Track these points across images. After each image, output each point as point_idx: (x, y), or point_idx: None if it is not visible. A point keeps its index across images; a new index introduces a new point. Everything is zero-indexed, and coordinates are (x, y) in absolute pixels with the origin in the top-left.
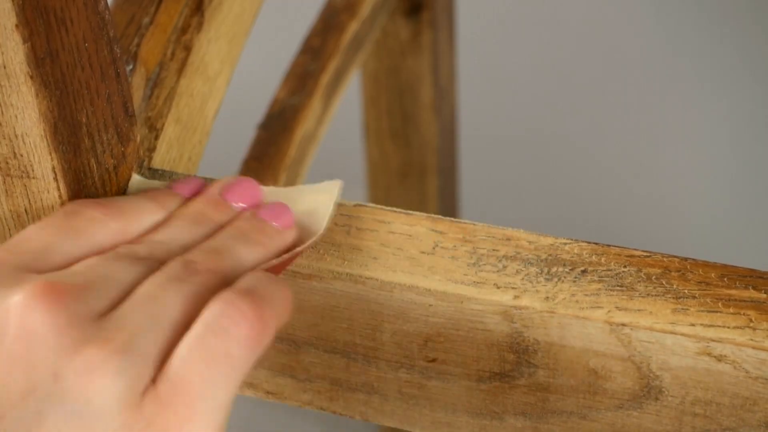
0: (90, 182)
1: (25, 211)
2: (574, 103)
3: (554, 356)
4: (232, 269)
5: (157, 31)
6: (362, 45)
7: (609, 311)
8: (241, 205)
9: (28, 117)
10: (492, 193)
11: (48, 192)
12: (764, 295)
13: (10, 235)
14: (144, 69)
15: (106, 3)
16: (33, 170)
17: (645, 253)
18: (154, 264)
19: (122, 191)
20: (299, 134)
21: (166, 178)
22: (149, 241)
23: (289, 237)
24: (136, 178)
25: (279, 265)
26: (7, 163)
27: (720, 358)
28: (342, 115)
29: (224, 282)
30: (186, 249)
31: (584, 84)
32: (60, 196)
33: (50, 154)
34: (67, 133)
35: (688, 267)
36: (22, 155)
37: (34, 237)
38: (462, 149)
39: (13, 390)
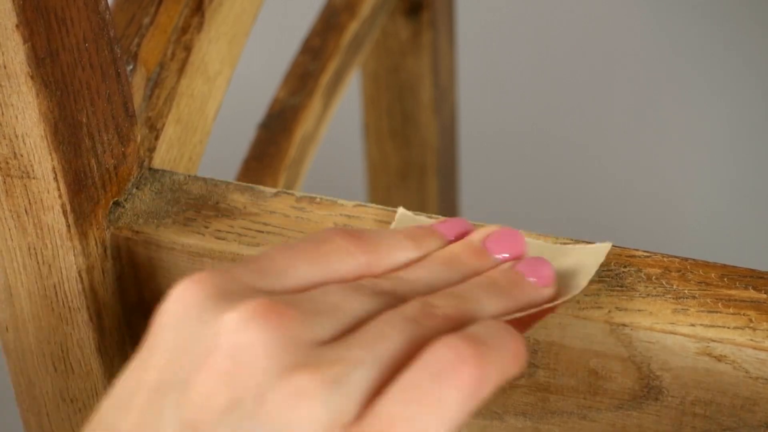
0: (90, 182)
1: (25, 211)
2: (574, 103)
3: (554, 356)
4: (469, 317)
5: (158, 31)
6: (362, 45)
7: (609, 311)
8: (502, 255)
9: (28, 117)
10: (492, 193)
11: (48, 192)
12: (764, 296)
13: (10, 236)
14: (144, 69)
15: (107, 3)
16: (33, 170)
17: (645, 254)
18: (394, 301)
19: (122, 191)
20: (299, 134)
21: (163, 184)
22: (395, 277)
23: (545, 294)
24: (402, 212)
25: (525, 321)
26: (7, 163)
27: (720, 359)
28: (342, 115)
29: (458, 329)
30: (432, 290)
31: (584, 84)
32: (60, 197)
33: (50, 154)
34: (67, 133)
35: (688, 267)
36: (22, 155)
37: (275, 257)
38: (462, 149)
39: (215, 404)
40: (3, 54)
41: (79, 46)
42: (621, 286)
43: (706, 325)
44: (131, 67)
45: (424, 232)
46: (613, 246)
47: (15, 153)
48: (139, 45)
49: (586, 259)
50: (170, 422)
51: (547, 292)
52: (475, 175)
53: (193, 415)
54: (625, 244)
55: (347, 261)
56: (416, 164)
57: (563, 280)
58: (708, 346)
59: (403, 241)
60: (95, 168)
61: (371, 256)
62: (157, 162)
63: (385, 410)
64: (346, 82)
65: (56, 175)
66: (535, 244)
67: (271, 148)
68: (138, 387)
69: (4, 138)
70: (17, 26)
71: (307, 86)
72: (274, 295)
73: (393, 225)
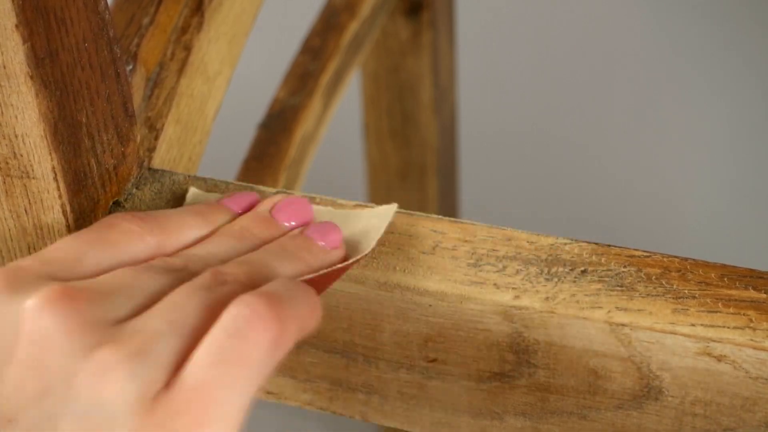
0: (90, 182)
1: (25, 211)
2: (574, 103)
3: (554, 356)
4: (264, 282)
5: (157, 31)
6: (362, 45)
7: (609, 311)
8: (291, 223)
9: (28, 117)
10: (492, 193)
11: (48, 192)
12: (764, 295)
13: (9, 236)
14: (144, 69)
15: (106, 3)
16: (33, 170)
17: (645, 253)
18: (187, 276)
19: (122, 191)
20: (299, 134)
21: (163, 184)
22: (186, 254)
23: (335, 256)
24: (193, 191)
25: (320, 281)
26: (7, 163)
27: (720, 358)
28: (342, 115)
29: (250, 289)
30: (221, 262)
31: (584, 84)
32: (60, 196)
33: (50, 154)
34: (67, 133)
35: (688, 267)
36: (22, 155)
37: (65, 247)
38: (462, 149)
39: (27, 393)
40: (2, 54)
41: (78, 46)
42: (621, 286)
43: (706, 325)
44: (131, 67)
45: (211, 208)
46: (612, 246)
47: (15, 153)
48: (138, 45)
49: (374, 221)
50: None
51: (336, 254)
52: (475, 175)
53: (7, 407)
54: (625, 244)
55: (136, 244)
56: (416, 164)
57: (353, 242)
58: (708, 346)
59: (191, 219)
60: (95, 168)
61: (160, 237)
62: (157, 162)
63: (192, 374)
64: (346, 82)
65: (56, 175)
66: (324, 211)
67: (271, 148)
68: None
69: (4, 138)
70: (17, 26)
71: (307, 86)
72: (66, 282)
73: (185, 204)
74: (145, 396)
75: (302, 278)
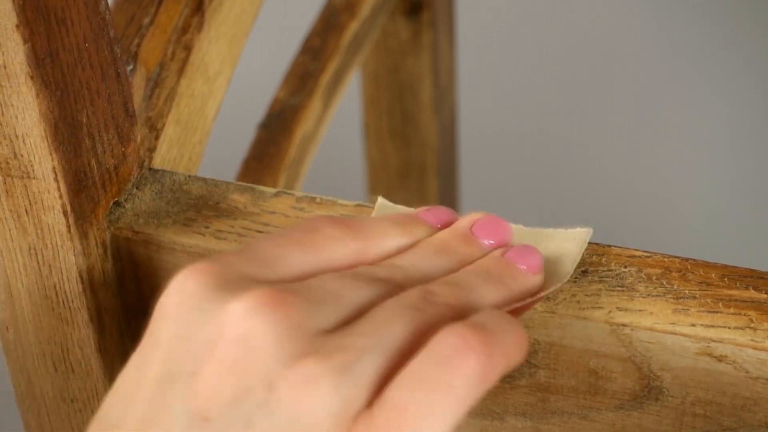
0: (90, 182)
1: (26, 211)
2: (574, 103)
3: (555, 356)
4: (470, 306)
5: (158, 31)
6: (362, 45)
7: (609, 311)
8: (489, 242)
9: (28, 117)
10: (492, 193)
11: (48, 192)
12: (765, 296)
13: (10, 236)
14: (144, 69)
15: (107, 3)
16: (33, 170)
17: (645, 254)
18: (392, 288)
19: (123, 191)
20: (299, 134)
21: (163, 184)
22: (390, 264)
23: (535, 282)
24: (382, 202)
25: (520, 309)
26: (7, 163)
27: (720, 359)
28: (342, 115)
29: (460, 318)
30: (427, 279)
31: (584, 84)
32: (60, 197)
33: (51, 154)
34: (67, 133)
35: (689, 267)
36: (22, 155)
37: (266, 247)
38: (462, 149)
39: (225, 394)
40: (3, 54)
41: (79, 46)
42: (621, 286)
43: (707, 325)
44: (131, 67)
45: (410, 220)
46: (613, 246)
47: (15, 153)
48: (139, 45)
49: (568, 244)
50: (179, 414)
51: (537, 279)
52: (475, 175)
53: (203, 406)
54: (626, 244)
55: (339, 249)
56: (416, 164)
57: (548, 266)
58: (708, 346)
59: (391, 229)
60: (95, 168)
61: (361, 243)
62: (157, 162)
63: (395, 397)
64: (346, 82)
65: (56, 175)
66: (517, 230)
67: (271, 148)
68: (142, 380)
69: (5, 138)
70: (17, 26)
71: (307, 86)
72: (276, 285)
73: (374, 214)
74: (346, 413)
75: (507, 308)
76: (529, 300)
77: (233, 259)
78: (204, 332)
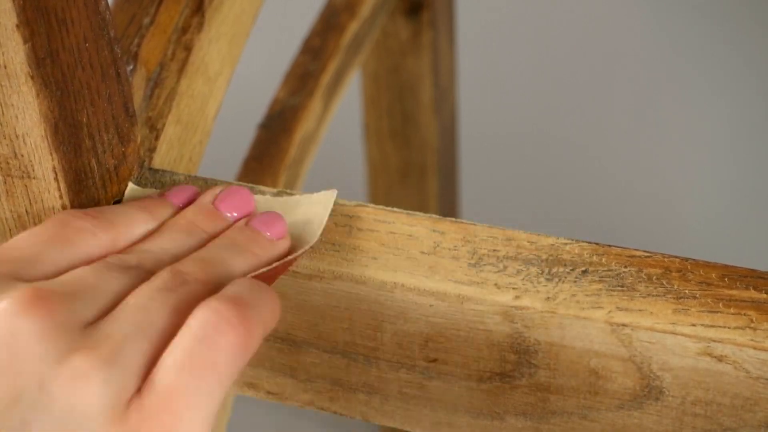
0: (91, 182)
1: (26, 211)
2: (574, 103)
3: (555, 356)
4: (222, 279)
5: (158, 31)
6: (362, 45)
7: (610, 311)
8: (233, 214)
9: (28, 117)
10: (492, 193)
11: (49, 192)
12: (765, 296)
13: (11, 236)
14: (144, 69)
15: (107, 3)
16: (34, 170)
17: (646, 254)
18: (144, 274)
19: (123, 192)
20: (299, 134)
21: (164, 184)
22: (139, 250)
23: (282, 247)
24: (130, 187)
25: (270, 274)
26: (7, 163)
27: (721, 359)
28: (342, 115)
29: (213, 292)
30: (177, 259)
31: (584, 84)
32: (61, 197)
33: (51, 154)
34: (67, 133)
35: (689, 267)
36: (22, 155)
37: (22, 246)
38: (462, 149)
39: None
40: (3, 54)
41: (79, 46)
42: (621, 286)
43: (707, 326)
44: (131, 67)
45: (155, 203)
46: (613, 246)
47: (15, 153)
48: (139, 45)
49: (315, 208)
50: None
51: (284, 244)
52: (475, 175)
53: None
54: (626, 244)
55: (90, 241)
56: (416, 164)
57: (296, 232)
58: (708, 346)
59: (138, 214)
60: (96, 168)
61: (111, 233)
62: (158, 162)
63: (162, 380)
64: (346, 82)
65: (57, 175)
66: (262, 200)
67: (271, 148)
68: None
69: (5, 138)
70: (17, 26)
71: (307, 86)
72: (35, 283)
73: (123, 200)
74: (118, 402)
75: (256, 273)
76: (276, 264)
77: None
78: None
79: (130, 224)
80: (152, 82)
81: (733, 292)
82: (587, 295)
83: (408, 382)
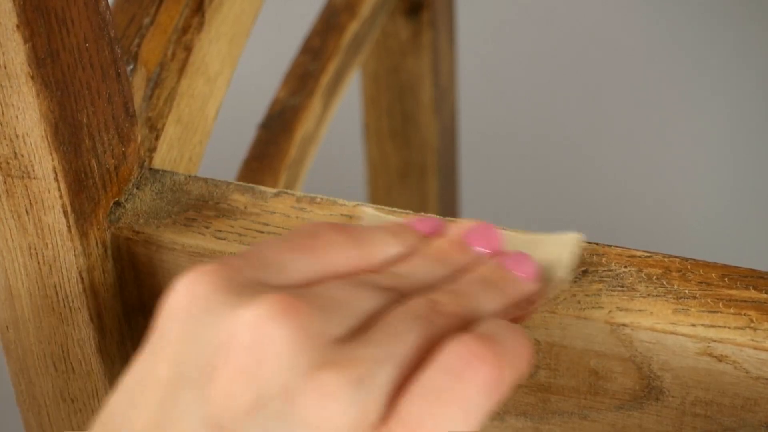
0: (91, 182)
1: (26, 211)
2: (574, 103)
3: (555, 356)
4: (472, 315)
5: (158, 31)
6: (362, 45)
7: (610, 311)
8: (482, 250)
9: (29, 117)
10: (492, 193)
11: (49, 192)
12: (765, 296)
13: (11, 236)
14: (145, 69)
15: (107, 3)
16: (34, 170)
17: (646, 254)
18: (396, 296)
19: (123, 192)
20: (299, 134)
21: (164, 184)
22: (391, 273)
23: (532, 288)
24: (369, 211)
25: (518, 318)
26: (7, 163)
27: (721, 359)
28: (342, 115)
29: (463, 327)
30: (427, 286)
31: (584, 84)
32: (61, 197)
33: (51, 154)
34: (67, 133)
35: (689, 267)
36: (22, 155)
37: (272, 251)
38: (462, 149)
39: (241, 402)
40: (3, 54)
41: (79, 46)
42: (621, 286)
43: (707, 325)
44: (131, 67)
45: (404, 229)
46: (613, 246)
47: (15, 153)
48: (139, 45)
49: (560, 249)
50: (192, 420)
51: (534, 286)
52: (475, 175)
53: (218, 414)
54: (626, 244)
55: (340, 255)
56: (416, 164)
57: (542, 272)
58: (709, 346)
59: (386, 237)
60: (96, 168)
61: (360, 250)
62: (158, 162)
63: (410, 410)
64: (346, 82)
65: (57, 175)
66: (507, 236)
67: (271, 148)
68: (149, 381)
69: (5, 138)
70: (18, 26)
71: (307, 86)
72: (290, 291)
73: (364, 224)
74: (362, 425)
75: (507, 316)
76: (527, 307)
77: (241, 263)
78: (216, 336)
79: (380, 245)
80: (152, 82)
81: (733, 292)
82: (587, 295)
83: None
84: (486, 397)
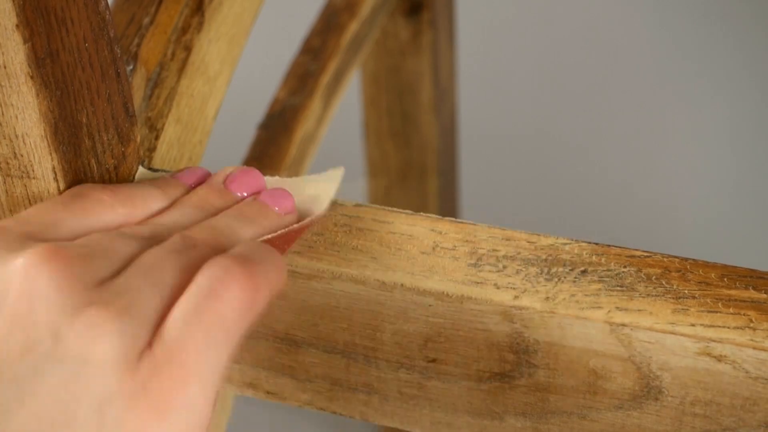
0: (90, 182)
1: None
2: (574, 103)
3: (554, 356)
4: (230, 245)
5: (158, 31)
6: (362, 45)
7: (609, 311)
8: (243, 194)
9: (28, 117)
10: (492, 193)
11: (48, 192)
12: (764, 296)
13: None
14: (144, 69)
15: (107, 3)
16: (33, 170)
17: (645, 254)
18: (156, 243)
19: None
20: (299, 134)
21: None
22: (153, 222)
23: (289, 221)
24: (141, 170)
25: (277, 245)
26: (7, 163)
27: (720, 359)
28: (342, 115)
29: (220, 251)
30: (185, 227)
31: (584, 84)
32: None
33: (51, 154)
34: (67, 133)
35: (688, 267)
36: (22, 155)
37: (42, 212)
38: (462, 149)
39: (12, 348)
40: (3, 54)
41: (79, 46)
42: (621, 286)
43: (706, 325)
44: (131, 67)
45: (167, 182)
46: (612, 246)
47: (15, 153)
48: (139, 45)
49: (323, 185)
50: None
51: (290, 218)
52: (475, 175)
53: None
54: (625, 244)
55: (107, 213)
56: (416, 164)
57: (304, 208)
58: (708, 346)
59: (153, 191)
60: (95, 168)
61: (127, 207)
62: (157, 162)
63: (171, 333)
64: (346, 82)
65: (56, 175)
66: (273, 180)
67: (271, 148)
68: None
69: (4, 138)
70: (17, 26)
71: (307, 86)
72: (53, 242)
73: (135, 181)
74: (130, 354)
75: (264, 238)
76: (282, 231)
77: (9, 224)
78: None
79: (146, 201)
80: (152, 82)
81: (733, 292)
82: (586, 295)
83: (407, 382)
84: (243, 312)
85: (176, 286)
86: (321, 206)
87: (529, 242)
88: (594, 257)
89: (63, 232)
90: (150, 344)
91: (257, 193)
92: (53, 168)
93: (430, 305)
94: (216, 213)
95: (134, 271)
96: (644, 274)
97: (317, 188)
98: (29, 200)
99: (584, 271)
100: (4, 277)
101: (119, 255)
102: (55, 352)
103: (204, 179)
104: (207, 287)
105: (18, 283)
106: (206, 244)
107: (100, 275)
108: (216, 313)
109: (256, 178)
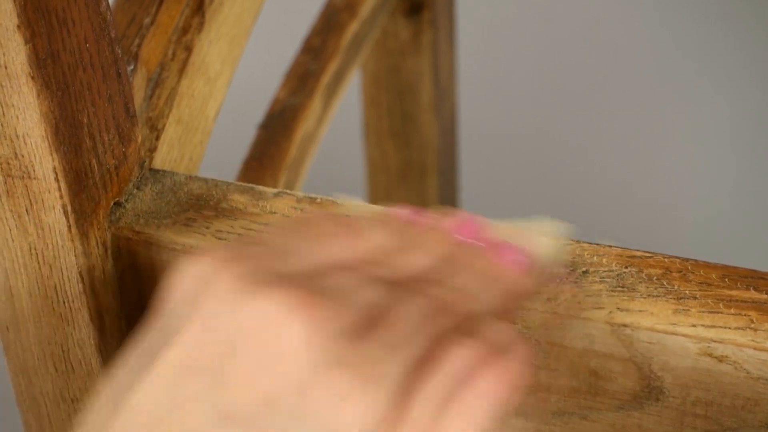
0: (91, 182)
1: (26, 211)
2: (574, 103)
3: (555, 357)
4: (472, 311)
5: (158, 31)
6: (362, 45)
7: (610, 312)
8: (473, 242)
9: (29, 117)
10: (492, 193)
11: (49, 192)
12: (765, 296)
13: (11, 236)
14: (145, 69)
15: (108, 4)
16: (34, 171)
17: (646, 254)
18: (398, 290)
19: (123, 192)
20: (299, 134)
21: (164, 184)
22: (389, 264)
23: (527, 284)
24: (353, 202)
25: (511, 309)
26: (8, 163)
27: (721, 359)
28: (342, 115)
29: (466, 325)
30: (423, 277)
31: (584, 84)
32: (61, 197)
33: (51, 154)
34: (68, 133)
35: (689, 268)
36: (23, 156)
37: (278, 240)
38: (462, 149)
39: (254, 395)
40: (4, 55)
41: (80, 46)
42: (622, 287)
43: (707, 326)
44: (132, 67)
45: (390, 218)
46: (613, 247)
47: (16, 153)
48: (139, 45)
49: (546, 241)
50: (202, 406)
51: (528, 280)
52: (475, 175)
53: (230, 403)
54: (626, 245)
55: (337, 244)
56: (416, 164)
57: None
58: (709, 347)
59: (377, 227)
60: (96, 168)
61: (352, 240)
62: (158, 162)
63: (419, 416)
64: (346, 82)
65: (57, 175)
66: (491, 227)
67: (271, 148)
68: (158, 363)
69: (5, 138)
70: (18, 27)
71: (307, 86)
72: (295, 280)
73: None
74: (374, 426)
75: (502, 309)
76: (519, 299)
77: (254, 250)
78: (232, 326)
79: (373, 235)
80: (153, 83)
81: (734, 292)
82: (588, 296)
83: None
84: (491, 403)
85: (422, 356)
86: (548, 267)
87: None
88: (595, 258)
89: (299, 264)
90: (393, 422)
91: (484, 240)
92: (54, 168)
93: None
94: (448, 260)
95: (384, 335)
96: (645, 275)
97: (541, 242)
98: (29, 200)
99: (585, 272)
100: (249, 315)
101: (366, 304)
102: (298, 408)
103: (420, 219)
104: (461, 374)
105: (265, 327)
106: (452, 311)
107: (347, 326)
108: (465, 403)
109: (483, 227)
